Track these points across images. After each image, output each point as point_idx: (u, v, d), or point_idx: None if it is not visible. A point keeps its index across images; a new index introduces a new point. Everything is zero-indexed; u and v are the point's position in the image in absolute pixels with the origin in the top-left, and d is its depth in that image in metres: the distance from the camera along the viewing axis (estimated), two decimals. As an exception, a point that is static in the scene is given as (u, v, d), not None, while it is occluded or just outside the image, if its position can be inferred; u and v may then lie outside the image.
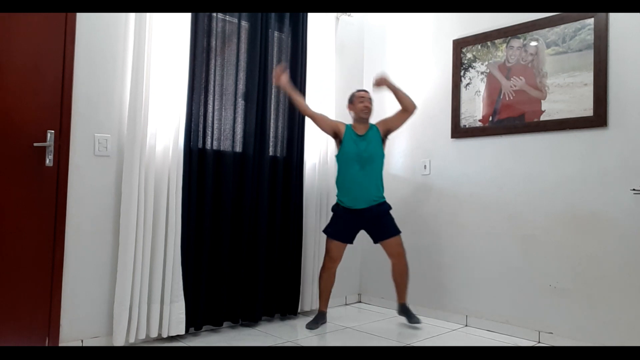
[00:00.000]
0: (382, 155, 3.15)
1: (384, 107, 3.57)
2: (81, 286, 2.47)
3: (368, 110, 3.12)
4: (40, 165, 2.33)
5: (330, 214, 3.29)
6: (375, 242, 3.19)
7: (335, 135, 3.15)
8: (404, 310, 3.19)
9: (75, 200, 2.45)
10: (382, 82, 3.06)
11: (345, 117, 3.74)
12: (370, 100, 3.16)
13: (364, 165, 3.05)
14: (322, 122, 3.15)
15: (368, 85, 3.92)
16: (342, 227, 3.14)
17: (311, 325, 3.08)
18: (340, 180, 3.14)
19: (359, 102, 3.12)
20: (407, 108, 3.09)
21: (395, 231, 3.13)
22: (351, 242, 3.20)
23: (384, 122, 3.17)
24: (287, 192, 3.27)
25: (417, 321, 3.11)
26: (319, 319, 3.15)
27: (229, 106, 3.02)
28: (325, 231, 3.21)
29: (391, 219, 3.15)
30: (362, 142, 3.08)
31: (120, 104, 2.61)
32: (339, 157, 3.14)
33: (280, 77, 3.04)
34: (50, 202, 2.35)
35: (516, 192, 3.02)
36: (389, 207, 3.16)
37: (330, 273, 3.18)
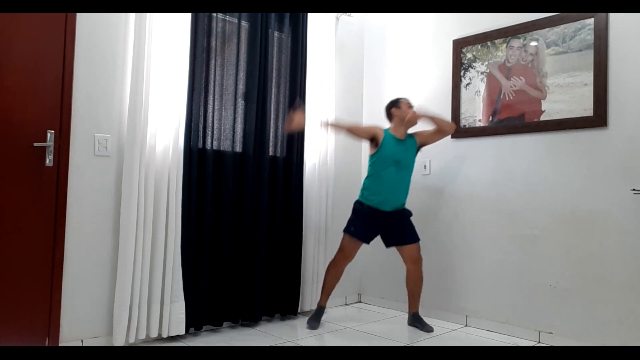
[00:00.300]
0: (414, 164, 3.16)
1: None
2: (81, 286, 2.47)
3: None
4: (40, 165, 2.33)
5: (333, 212, 3.29)
6: (390, 245, 3.17)
7: (372, 139, 3.14)
8: (416, 319, 3.16)
9: (75, 200, 2.45)
10: (421, 114, 3.07)
11: (347, 116, 3.75)
12: None
13: (399, 169, 3.06)
14: (359, 132, 3.17)
15: (368, 86, 3.92)
16: (365, 226, 3.12)
17: (312, 324, 3.08)
18: (372, 181, 3.11)
19: (408, 108, 3.12)
20: (446, 131, 3.12)
21: (417, 238, 3.13)
22: (368, 242, 3.19)
23: (421, 134, 3.17)
24: (287, 192, 3.27)
25: (430, 329, 3.07)
26: (320, 314, 3.16)
27: (229, 106, 3.02)
28: (347, 230, 3.16)
29: (413, 225, 3.15)
30: (401, 146, 3.09)
31: (120, 104, 2.61)
32: (375, 159, 3.11)
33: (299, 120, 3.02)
34: (50, 202, 2.35)
35: (516, 192, 3.02)
36: (410, 214, 3.16)
37: (339, 270, 3.18)
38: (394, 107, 3.17)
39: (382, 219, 3.09)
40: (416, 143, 3.15)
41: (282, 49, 3.32)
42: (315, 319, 3.12)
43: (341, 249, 3.17)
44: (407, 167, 3.10)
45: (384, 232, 3.16)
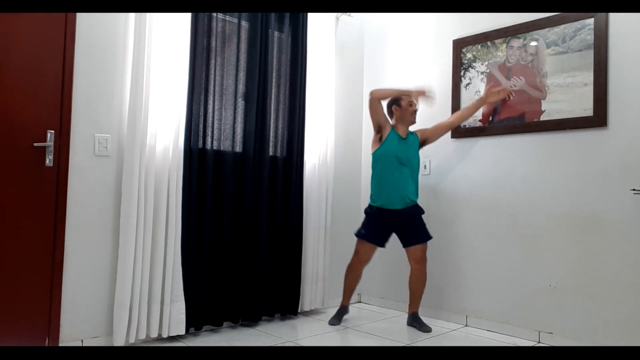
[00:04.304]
0: (419, 161, 3.18)
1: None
2: (81, 286, 2.47)
3: (415, 114, 3.18)
4: (40, 165, 2.33)
5: (333, 212, 3.30)
6: (405, 246, 3.16)
7: (378, 130, 3.15)
8: (415, 319, 3.15)
9: (75, 200, 2.45)
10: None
11: (347, 116, 3.75)
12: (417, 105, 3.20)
13: (402, 167, 3.07)
14: (379, 111, 3.13)
15: (368, 86, 3.91)
16: (376, 229, 3.13)
17: (333, 321, 3.15)
18: (376, 180, 3.14)
19: (409, 106, 3.13)
20: (455, 125, 3.23)
21: (426, 238, 3.12)
22: (383, 246, 3.18)
23: (423, 132, 3.21)
24: (287, 192, 3.27)
25: (428, 330, 3.07)
26: (342, 313, 3.23)
27: (229, 106, 3.02)
28: (358, 234, 3.18)
29: (423, 224, 3.14)
30: (403, 145, 3.10)
31: (120, 104, 2.61)
32: (377, 155, 3.14)
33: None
34: (50, 202, 2.35)
35: (516, 192, 3.02)
36: (422, 211, 3.16)
37: (356, 274, 3.22)
38: (394, 105, 3.17)
39: (393, 219, 3.09)
40: (418, 140, 3.18)
41: (282, 49, 3.32)
42: (336, 317, 3.18)
43: (356, 253, 3.20)
44: (410, 164, 3.10)
45: (398, 232, 3.15)
